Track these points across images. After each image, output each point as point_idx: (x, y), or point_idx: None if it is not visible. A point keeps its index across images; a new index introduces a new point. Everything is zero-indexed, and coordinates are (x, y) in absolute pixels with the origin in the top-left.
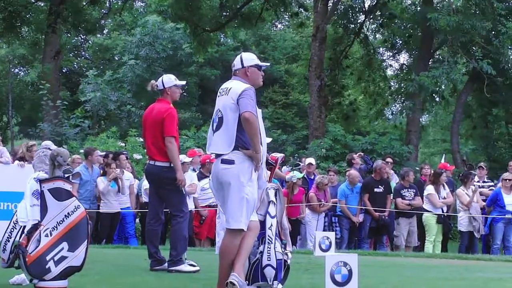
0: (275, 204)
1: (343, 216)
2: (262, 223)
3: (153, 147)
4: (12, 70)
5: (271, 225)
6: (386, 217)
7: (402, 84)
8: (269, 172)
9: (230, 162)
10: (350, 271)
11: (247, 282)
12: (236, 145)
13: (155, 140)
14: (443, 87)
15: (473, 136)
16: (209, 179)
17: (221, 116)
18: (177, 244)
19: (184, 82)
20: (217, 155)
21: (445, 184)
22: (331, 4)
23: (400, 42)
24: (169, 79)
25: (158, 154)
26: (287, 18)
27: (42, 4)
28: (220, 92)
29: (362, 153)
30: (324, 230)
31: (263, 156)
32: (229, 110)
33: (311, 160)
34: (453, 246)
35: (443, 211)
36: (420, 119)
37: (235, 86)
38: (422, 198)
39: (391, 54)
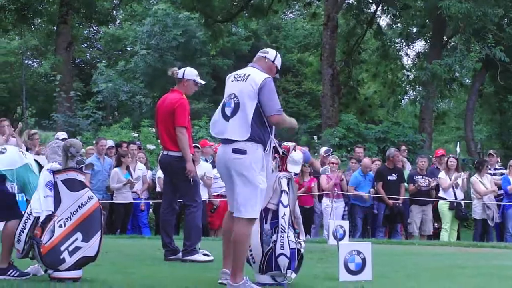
0: (288, 193)
1: (357, 204)
2: (275, 212)
3: (166, 136)
4: (25, 61)
5: (284, 214)
6: (400, 205)
7: (415, 72)
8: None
9: (243, 152)
10: (363, 260)
11: (260, 273)
12: (250, 134)
13: (167, 130)
14: (457, 74)
15: (487, 122)
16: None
17: (237, 102)
18: (191, 234)
19: (203, 82)
20: (228, 141)
21: (454, 170)
22: None
23: (414, 31)
24: (191, 72)
25: (170, 144)
26: (297, 7)
27: None
28: (234, 77)
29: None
30: (343, 219)
31: (270, 145)
32: (247, 97)
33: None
34: (467, 234)
35: (456, 198)
36: (434, 107)
37: (253, 73)
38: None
39: (406, 44)
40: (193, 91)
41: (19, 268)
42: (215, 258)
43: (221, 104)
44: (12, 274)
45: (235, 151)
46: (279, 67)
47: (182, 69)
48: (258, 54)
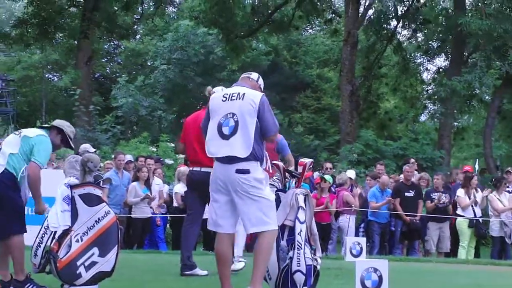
0: (304, 210)
1: (374, 221)
2: (292, 229)
3: (201, 153)
4: (46, 75)
5: (301, 230)
6: (417, 221)
7: (434, 88)
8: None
9: (246, 171)
10: (380, 277)
11: None
12: (251, 152)
13: (203, 147)
14: (477, 91)
15: (507, 139)
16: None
17: (237, 120)
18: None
19: None
20: (228, 161)
21: (477, 188)
22: (362, 9)
23: (435, 46)
24: None
25: (208, 160)
26: (318, 23)
27: (75, 10)
28: (225, 97)
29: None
30: (358, 235)
31: (266, 160)
32: (248, 115)
33: (351, 174)
34: (485, 252)
35: (475, 216)
36: (454, 123)
37: (248, 91)
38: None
39: (426, 58)
40: None
41: (37, 282)
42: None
43: (213, 124)
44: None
45: (238, 171)
46: (262, 88)
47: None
48: (242, 75)
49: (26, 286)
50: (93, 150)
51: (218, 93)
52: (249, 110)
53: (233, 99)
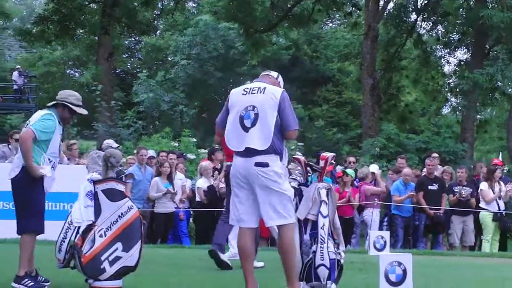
0: (327, 204)
1: (397, 215)
2: (315, 223)
3: None
4: (67, 71)
5: (323, 224)
6: (441, 215)
7: (456, 81)
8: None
9: (265, 164)
10: (404, 271)
11: (301, 283)
12: (270, 145)
13: None
14: (499, 83)
15: None
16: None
17: (257, 113)
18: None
19: None
20: (248, 154)
21: (500, 181)
22: (382, 3)
23: (455, 38)
24: None
25: None
26: (338, 17)
27: (95, 7)
28: (246, 91)
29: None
30: (382, 229)
31: (285, 155)
32: (269, 108)
33: (374, 168)
34: (510, 245)
35: (499, 209)
36: (477, 116)
37: (269, 86)
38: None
39: (447, 51)
40: None
41: (45, 278)
42: (267, 267)
43: (234, 117)
44: (27, 284)
45: (257, 164)
46: (281, 85)
47: None
48: (262, 73)
49: (24, 281)
50: (116, 145)
51: (238, 88)
52: (269, 103)
53: (254, 93)
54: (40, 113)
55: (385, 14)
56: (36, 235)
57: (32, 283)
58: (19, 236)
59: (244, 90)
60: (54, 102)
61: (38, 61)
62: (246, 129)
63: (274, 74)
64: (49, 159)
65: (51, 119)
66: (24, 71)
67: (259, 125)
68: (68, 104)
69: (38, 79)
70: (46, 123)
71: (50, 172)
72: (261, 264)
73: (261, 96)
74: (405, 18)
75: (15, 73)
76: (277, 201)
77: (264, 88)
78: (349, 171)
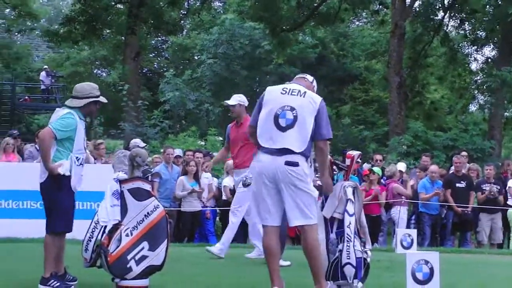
0: (353, 202)
1: (425, 212)
2: (341, 222)
3: None
4: (94, 71)
5: (350, 223)
6: (469, 213)
7: (483, 78)
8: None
9: (295, 164)
10: (431, 269)
11: (328, 282)
12: (305, 148)
13: None
14: None
15: None
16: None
17: (296, 115)
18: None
19: None
20: (280, 152)
21: None
22: (409, 1)
23: (483, 36)
24: None
25: None
26: (365, 15)
27: (122, 7)
28: (285, 91)
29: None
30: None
31: (311, 161)
32: (308, 113)
33: (402, 166)
34: None
35: None
36: (505, 114)
37: (309, 92)
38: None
39: (474, 48)
40: None
41: (73, 276)
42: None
43: (268, 113)
44: (53, 284)
45: (288, 163)
46: (315, 90)
47: None
48: (297, 75)
49: (50, 282)
50: (143, 145)
51: (275, 86)
52: (309, 108)
53: (294, 94)
54: (59, 112)
55: (412, 12)
56: (64, 236)
57: (58, 284)
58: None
59: (283, 90)
60: (86, 102)
61: (66, 61)
62: (281, 128)
63: (310, 78)
64: (77, 158)
65: (70, 117)
66: (51, 71)
67: (297, 128)
68: (91, 98)
69: (65, 79)
70: (65, 121)
71: (67, 170)
72: (287, 263)
73: (301, 100)
74: (432, 16)
75: (43, 73)
76: (304, 201)
77: (304, 92)
78: (375, 169)
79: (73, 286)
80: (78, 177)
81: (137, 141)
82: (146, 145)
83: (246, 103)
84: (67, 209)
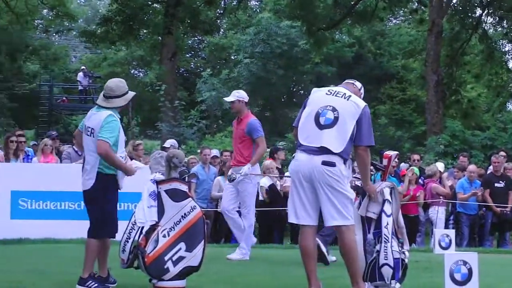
0: (391, 203)
1: (463, 213)
2: (378, 222)
3: None
4: (131, 71)
5: (387, 223)
6: (508, 213)
7: None
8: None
9: (332, 164)
10: (470, 270)
11: (366, 283)
12: (343, 149)
13: None
14: None
15: None
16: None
17: (337, 116)
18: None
19: None
20: (317, 152)
21: None
22: None
23: None
24: None
25: None
26: (402, 13)
27: (159, 7)
28: (330, 92)
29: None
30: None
31: (349, 164)
32: (349, 115)
33: (441, 166)
34: None
35: None
36: None
37: (354, 96)
38: None
39: None
40: None
41: (114, 279)
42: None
43: (310, 112)
44: (91, 285)
45: (324, 163)
46: (362, 97)
47: None
48: (346, 81)
49: (88, 283)
50: (168, 146)
51: (322, 88)
52: (351, 111)
53: (338, 96)
54: (101, 116)
55: (449, 10)
56: (108, 238)
57: (95, 285)
58: (85, 237)
59: (328, 91)
60: (128, 99)
61: (103, 61)
62: (320, 126)
63: (358, 84)
64: (120, 157)
65: (114, 119)
66: (89, 71)
67: (337, 128)
68: (122, 96)
69: (102, 80)
70: (111, 125)
71: (137, 165)
72: (334, 258)
73: (345, 102)
74: (470, 13)
75: (80, 74)
76: (340, 201)
77: (349, 96)
78: (414, 169)
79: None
80: (123, 175)
81: (172, 141)
82: (179, 146)
83: (246, 99)
84: (113, 215)
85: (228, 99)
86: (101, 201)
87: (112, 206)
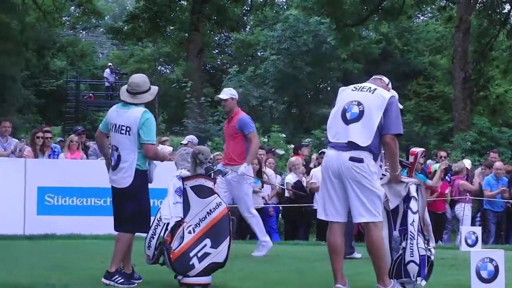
0: (417, 200)
1: (489, 210)
2: (404, 219)
3: None
4: (158, 68)
5: (413, 220)
6: None
7: None
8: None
9: (360, 160)
10: (496, 268)
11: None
12: (370, 143)
13: None
14: None
15: None
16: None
17: (362, 110)
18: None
19: None
20: (345, 147)
21: None
22: None
23: None
24: None
25: None
26: (429, 10)
27: (185, 3)
28: (356, 88)
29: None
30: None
31: (380, 159)
32: (375, 107)
33: (468, 163)
34: None
35: None
36: None
37: (380, 89)
38: None
39: None
40: None
41: (139, 275)
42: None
43: (338, 109)
44: (117, 280)
45: (352, 159)
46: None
47: None
48: (374, 76)
49: (114, 278)
50: (185, 142)
51: (348, 86)
52: (377, 103)
53: (363, 91)
54: (135, 114)
55: (477, 6)
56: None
57: (122, 280)
58: (113, 232)
59: (354, 87)
60: (155, 93)
61: (130, 58)
62: (347, 121)
63: (386, 80)
64: None
65: (149, 117)
66: (115, 68)
67: (363, 122)
68: (148, 93)
69: (129, 76)
70: (150, 124)
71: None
72: (359, 255)
73: (369, 95)
74: (498, 9)
75: (107, 71)
76: (368, 198)
77: (375, 89)
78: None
79: (136, 284)
80: (155, 167)
81: (191, 137)
82: (188, 142)
83: (237, 97)
84: (149, 210)
85: (221, 96)
86: (139, 198)
87: (148, 201)
